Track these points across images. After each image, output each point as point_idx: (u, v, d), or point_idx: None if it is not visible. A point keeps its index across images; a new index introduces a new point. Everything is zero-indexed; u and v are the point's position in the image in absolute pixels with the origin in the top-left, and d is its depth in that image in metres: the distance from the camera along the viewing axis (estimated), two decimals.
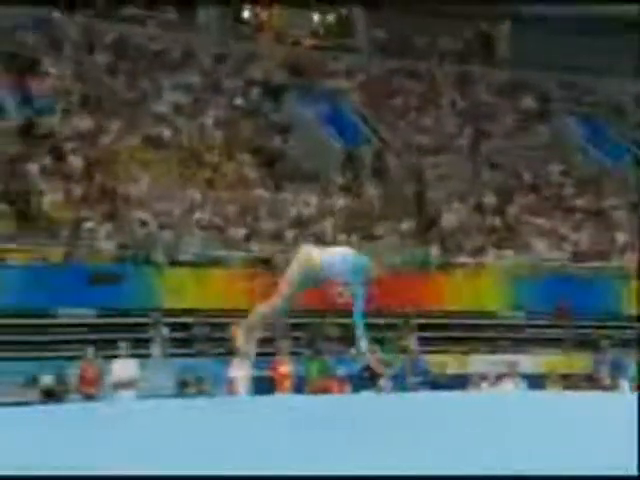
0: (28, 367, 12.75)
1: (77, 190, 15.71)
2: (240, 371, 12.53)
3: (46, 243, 14.47)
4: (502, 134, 21.47)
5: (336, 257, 6.11)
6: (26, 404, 10.82)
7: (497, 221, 18.86)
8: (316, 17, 24.30)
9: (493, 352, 15.66)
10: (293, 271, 6.14)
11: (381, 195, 18.65)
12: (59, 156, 16.25)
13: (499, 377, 13.71)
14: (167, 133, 17.82)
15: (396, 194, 18.84)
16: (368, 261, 6.09)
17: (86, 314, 14.05)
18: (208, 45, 20.71)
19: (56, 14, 19.15)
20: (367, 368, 13.43)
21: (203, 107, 18.93)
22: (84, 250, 14.56)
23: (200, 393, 12.55)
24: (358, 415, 6.49)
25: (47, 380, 12.66)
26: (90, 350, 12.52)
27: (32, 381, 12.67)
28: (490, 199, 19.33)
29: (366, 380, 13.12)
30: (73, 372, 12.56)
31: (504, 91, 22.85)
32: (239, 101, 19.64)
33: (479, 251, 17.77)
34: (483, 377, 13.87)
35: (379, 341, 14.98)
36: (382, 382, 13.00)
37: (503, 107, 22.37)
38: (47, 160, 16.09)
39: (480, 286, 16.83)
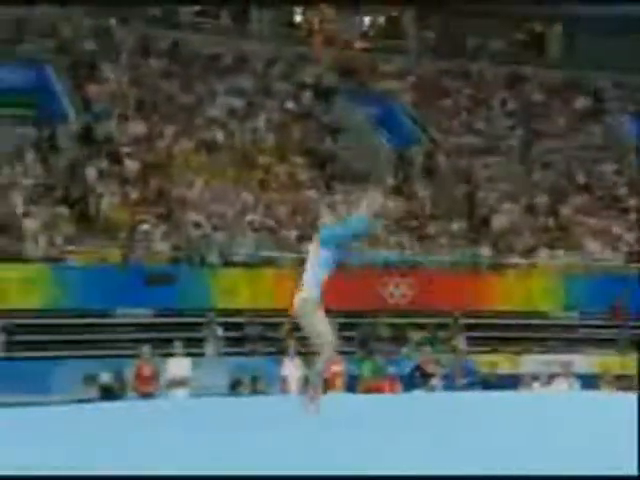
0: (88, 365, 13.04)
1: (133, 193, 16.02)
2: (292, 370, 12.63)
3: (104, 245, 14.77)
4: (554, 134, 21.26)
5: None
6: (86, 401, 11.10)
7: (549, 221, 18.69)
8: (366, 19, 24.36)
9: (546, 352, 15.53)
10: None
11: (431, 195, 18.63)
12: (116, 160, 16.59)
13: (552, 377, 13.59)
14: (220, 136, 18.06)
15: (446, 194, 18.79)
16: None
17: (143, 314, 14.34)
18: (260, 49, 20.92)
19: (113, 22, 19.55)
20: (418, 368, 13.45)
21: (255, 110, 19.14)
22: (140, 251, 14.82)
23: (253, 392, 12.68)
24: (423, 414, 6.51)
25: (105, 378, 12.91)
26: (146, 349, 12.69)
27: (91, 379, 12.92)
28: (542, 199, 19.16)
29: (417, 379, 13.12)
30: (130, 370, 12.77)
31: (556, 91, 22.62)
32: (290, 104, 19.79)
33: (531, 251, 17.63)
34: (535, 377, 13.75)
35: (430, 341, 15.02)
36: (434, 381, 12.99)
37: (555, 107, 22.14)
38: (105, 164, 16.44)
39: (532, 286, 16.71)
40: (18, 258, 14.04)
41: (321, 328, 6.46)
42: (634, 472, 4.15)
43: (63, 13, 19.07)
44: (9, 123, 16.75)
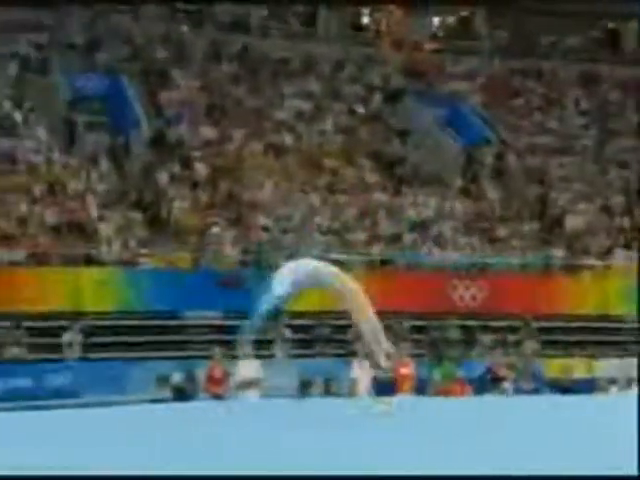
0: (160, 366, 13.32)
1: (203, 197, 16.29)
2: (361, 372, 12.66)
3: (175, 248, 15.06)
4: (629, 132, 20.79)
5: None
6: (159, 401, 11.35)
7: (625, 222, 18.28)
8: (436, 20, 24.23)
9: (622, 356, 15.20)
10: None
11: (502, 197, 18.43)
12: (187, 164, 16.90)
13: (630, 381, 13.30)
14: (289, 139, 18.22)
15: (517, 196, 18.57)
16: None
17: (213, 316, 14.56)
18: (328, 52, 21.03)
19: (185, 29, 19.93)
20: (489, 371, 13.33)
21: (323, 113, 19.25)
22: (210, 255, 15.05)
23: (323, 394, 12.75)
24: (496, 418, 6.46)
25: (178, 379, 13.16)
26: (217, 350, 12.87)
27: (164, 380, 13.19)
28: (617, 199, 18.77)
29: (488, 383, 13.01)
30: (201, 371, 12.99)
31: (632, 88, 22.11)
32: (358, 106, 19.84)
33: (606, 253, 17.28)
34: (612, 381, 13.49)
35: (501, 344, 14.86)
36: (505, 385, 12.87)
37: (630, 105, 21.64)
38: (176, 168, 16.77)
39: (607, 288, 16.37)
40: (93, 261, 14.44)
41: None
42: None
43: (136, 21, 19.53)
44: (85, 130, 17.23)
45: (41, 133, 16.42)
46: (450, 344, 14.99)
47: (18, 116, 16.44)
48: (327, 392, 12.82)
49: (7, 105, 16.67)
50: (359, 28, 23.50)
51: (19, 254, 14.06)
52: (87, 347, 13.72)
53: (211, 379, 12.96)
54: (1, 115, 16.43)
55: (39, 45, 18.24)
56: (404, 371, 13.25)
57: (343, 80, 20.59)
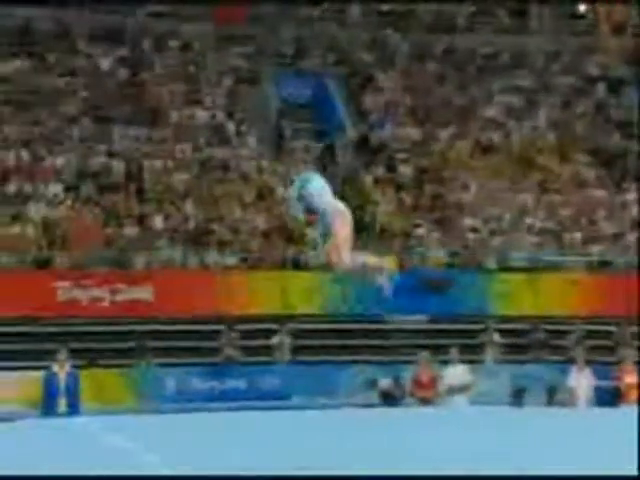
0: (367, 370, 13.65)
1: (408, 199, 16.48)
2: (581, 381, 12.32)
3: (380, 251, 15.33)
4: None
5: None
6: (368, 406, 11.67)
7: None
8: None
9: None
10: None
11: None
12: (391, 167, 17.19)
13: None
14: (497, 137, 18.02)
15: None
16: None
17: (418, 320, 14.71)
18: (541, 44, 20.59)
19: (390, 32, 20.30)
20: None
21: (535, 108, 18.87)
22: (415, 258, 15.21)
23: (538, 402, 12.52)
24: None
25: (385, 383, 13.44)
26: (425, 354, 12.98)
27: (372, 384, 13.54)
28: None
29: None
30: (409, 376, 13.17)
31: None
32: (574, 99, 19.27)
33: None
34: None
35: None
36: None
37: None
38: (380, 171, 17.11)
39: None
40: (301, 265, 15.02)
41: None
42: None
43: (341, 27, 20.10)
44: (292, 137, 17.98)
45: (252, 142, 17.38)
46: None
47: (231, 126, 17.52)
48: (543, 400, 12.56)
49: (221, 116, 17.82)
50: (575, 17, 22.78)
51: (232, 258, 14.97)
52: (296, 350, 14.30)
53: (418, 383, 13.08)
54: (216, 126, 17.57)
55: (249, 56, 19.32)
56: (629, 380, 12.73)
57: (556, 72, 20.07)
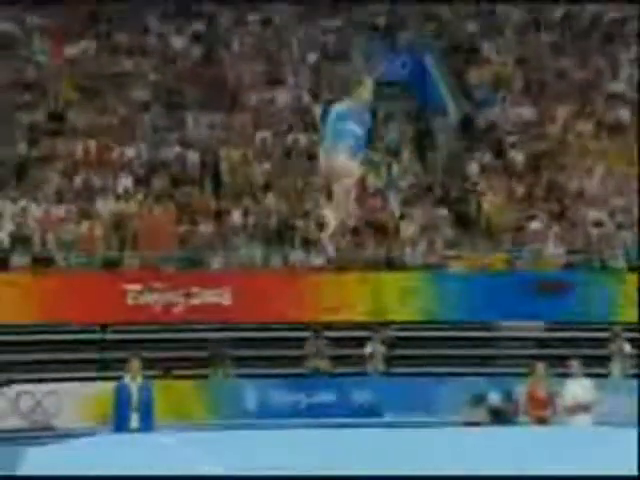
0: (473, 384, 13.40)
1: (520, 188, 16.15)
2: None
3: (487, 249, 15.08)
4: None
5: None
6: (475, 424, 11.41)
7: None
8: None
9: None
10: None
11: None
12: (500, 152, 16.87)
13: None
14: (625, 115, 17.52)
15: None
16: None
17: (532, 327, 14.39)
18: None
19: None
20: None
21: None
22: (529, 256, 14.86)
23: None
24: None
25: (494, 399, 13.14)
26: (539, 367, 12.65)
27: (479, 399, 13.25)
28: None
29: None
30: (522, 391, 12.86)
31: None
32: None
33: None
34: None
35: None
36: None
37: None
38: (487, 157, 16.80)
39: None
40: (396, 265, 14.88)
41: None
42: None
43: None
44: (386, 119, 17.79)
45: None
46: None
47: (317, 110, 17.45)
48: None
49: (306, 98, 17.77)
50: None
51: (319, 259, 14.91)
52: (390, 360, 14.16)
53: (533, 400, 12.75)
54: (300, 109, 17.52)
55: (337, 30, 19.21)
56: None
57: None
